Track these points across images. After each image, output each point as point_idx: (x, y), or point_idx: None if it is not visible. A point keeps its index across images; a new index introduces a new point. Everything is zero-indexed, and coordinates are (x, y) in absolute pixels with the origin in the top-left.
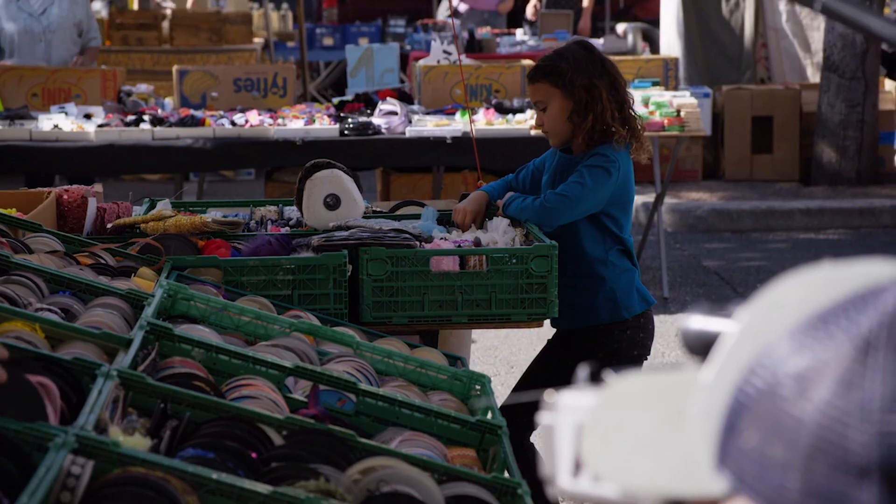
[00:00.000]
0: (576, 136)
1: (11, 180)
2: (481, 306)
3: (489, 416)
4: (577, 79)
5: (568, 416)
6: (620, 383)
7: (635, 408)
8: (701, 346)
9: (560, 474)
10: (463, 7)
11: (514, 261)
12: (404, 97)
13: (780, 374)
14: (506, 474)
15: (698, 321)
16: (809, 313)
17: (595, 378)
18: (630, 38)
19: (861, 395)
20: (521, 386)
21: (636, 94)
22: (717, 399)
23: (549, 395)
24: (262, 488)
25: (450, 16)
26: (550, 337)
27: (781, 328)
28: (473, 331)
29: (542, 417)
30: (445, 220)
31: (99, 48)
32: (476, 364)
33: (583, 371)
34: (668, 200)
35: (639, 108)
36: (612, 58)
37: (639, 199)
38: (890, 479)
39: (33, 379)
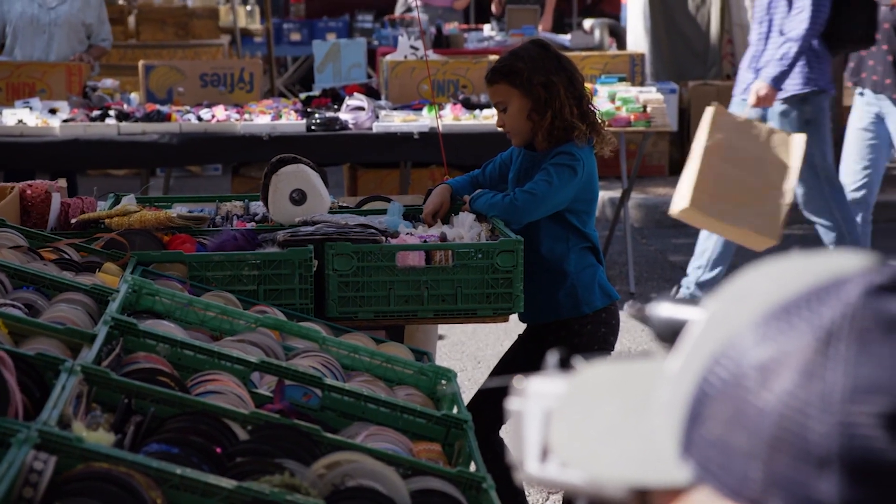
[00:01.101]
0: (536, 133)
1: None
2: (447, 301)
3: (455, 410)
4: (535, 77)
5: (536, 402)
6: (588, 371)
7: (602, 396)
8: (669, 333)
9: (528, 460)
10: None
11: (479, 256)
12: (371, 93)
13: (743, 364)
14: (471, 468)
15: (666, 308)
16: (773, 304)
17: (564, 366)
18: (597, 33)
19: (822, 386)
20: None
21: (602, 90)
22: (683, 389)
23: (519, 382)
24: (227, 483)
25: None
26: (521, 332)
27: (746, 319)
28: (440, 326)
29: (511, 404)
30: (411, 215)
31: (106, 50)
32: (443, 359)
33: (552, 358)
34: (635, 196)
35: (605, 104)
36: (578, 54)
37: (605, 195)
38: (849, 470)
39: None
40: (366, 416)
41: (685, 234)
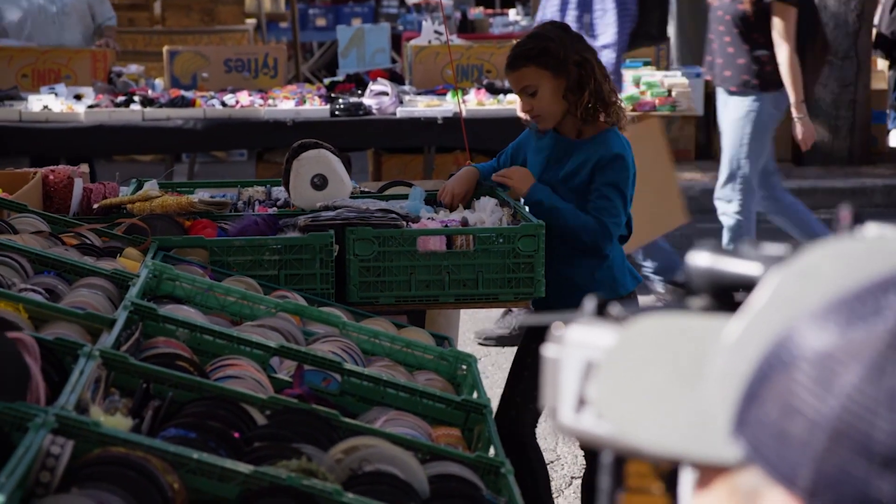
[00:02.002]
0: (573, 114)
1: (13, 162)
2: (468, 286)
3: (475, 395)
4: (569, 56)
5: (577, 351)
6: (640, 325)
7: (652, 355)
8: (707, 283)
9: (562, 409)
10: None
11: (501, 240)
12: (395, 78)
13: (810, 350)
14: (490, 453)
15: (705, 258)
16: (846, 289)
17: (601, 313)
18: None
19: (892, 383)
20: (515, 368)
21: (627, 74)
22: (741, 364)
23: (558, 328)
24: (244, 467)
25: None
26: None
27: (815, 301)
28: (463, 311)
29: (548, 350)
30: (433, 200)
31: (115, 27)
32: (466, 345)
33: (589, 304)
34: None
35: (630, 88)
36: None
37: None
38: None
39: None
40: (385, 400)
41: (711, 220)
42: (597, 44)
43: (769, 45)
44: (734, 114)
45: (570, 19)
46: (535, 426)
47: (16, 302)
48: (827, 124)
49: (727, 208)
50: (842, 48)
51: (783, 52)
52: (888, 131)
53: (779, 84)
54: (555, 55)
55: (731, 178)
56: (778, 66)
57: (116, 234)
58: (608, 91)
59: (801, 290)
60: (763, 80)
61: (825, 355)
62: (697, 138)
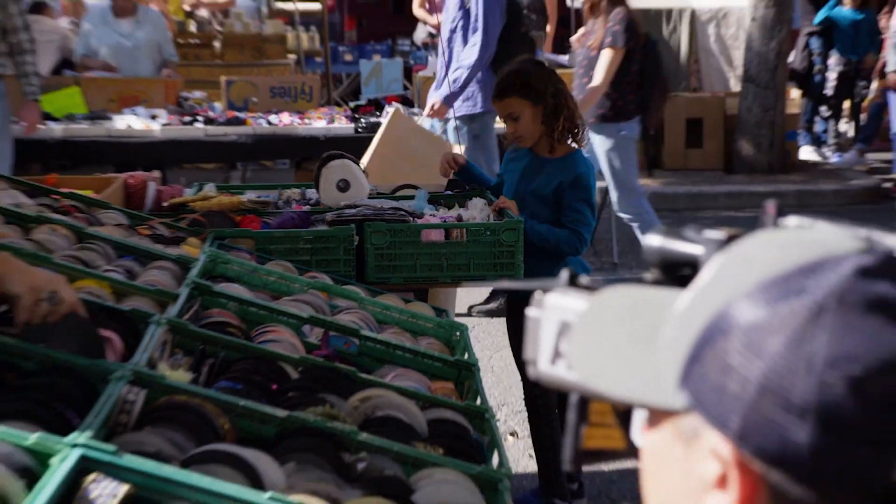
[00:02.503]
0: (548, 135)
1: (101, 169)
2: (462, 269)
3: (465, 356)
4: (546, 88)
5: (554, 313)
6: (606, 294)
7: (615, 319)
8: (658, 260)
9: (541, 360)
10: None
11: (488, 233)
12: (407, 102)
13: (742, 321)
14: (477, 402)
15: (656, 239)
16: (775, 272)
17: (573, 283)
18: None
19: (809, 351)
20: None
21: None
22: (687, 330)
23: (539, 295)
24: (280, 413)
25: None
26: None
27: (749, 281)
28: (459, 289)
29: (531, 311)
30: (434, 200)
31: (176, 61)
32: (461, 317)
33: (564, 274)
34: None
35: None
36: (573, 70)
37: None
38: (822, 421)
39: (103, 332)
40: (394, 360)
41: (658, 217)
42: (459, 63)
43: (614, 84)
44: (600, 144)
45: (458, 46)
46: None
47: (102, 280)
48: (752, 141)
49: (631, 217)
50: (763, 80)
51: (595, 81)
52: (798, 147)
53: (630, 114)
54: (535, 87)
55: (621, 194)
56: (625, 101)
57: (181, 227)
58: (577, 117)
59: (738, 271)
60: (615, 111)
61: (756, 326)
62: (647, 151)
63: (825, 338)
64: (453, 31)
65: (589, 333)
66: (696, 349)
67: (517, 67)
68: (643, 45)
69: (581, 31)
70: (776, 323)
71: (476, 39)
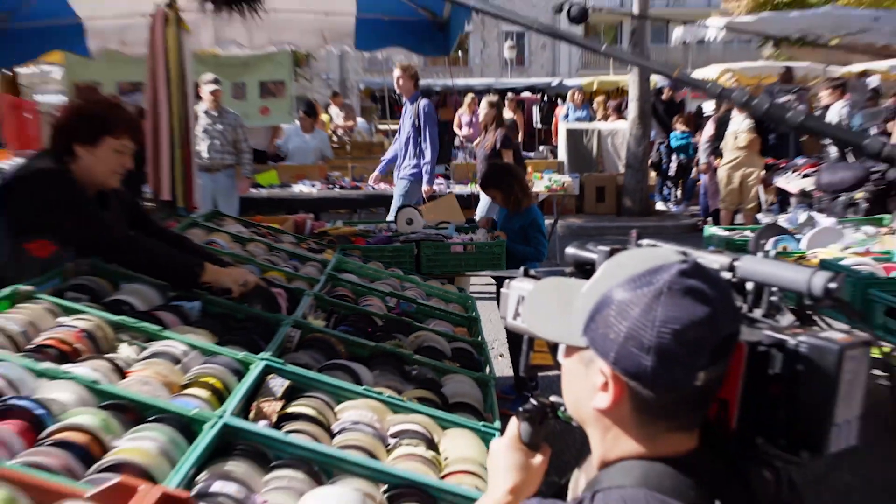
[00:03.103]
0: (511, 202)
1: (282, 213)
2: (472, 267)
3: (473, 314)
4: (511, 182)
5: (516, 290)
6: (545, 280)
7: (549, 294)
8: (573, 261)
9: (508, 317)
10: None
11: (487, 248)
12: (446, 177)
13: (617, 298)
14: (479, 339)
15: (572, 250)
16: (636, 271)
17: (527, 275)
18: (544, 150)
19: (652, 316)
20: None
21: (546, 176)
22: (587, 302)
23: (508, 280)
24: (371, 343)
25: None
26: None
27: (621, 276)
28: (472, 277)
29: (504, 289)
30: (460, 229)
31: (331, 157)
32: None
33: (521, 270)
34: (560, 222)
35: (546, 182)
36: (539, 161)
37: (548, 221)
38: (658, 355)
39: (276, 291)
40: (433, 315)
41: (583, 240)
42: (425, 159)
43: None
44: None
45: (411, 147)
46: None
47: (280, 271)
48: (630, 198)
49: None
50: (636, 166)
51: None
52: (655, 202)
53: None
54: (505, 182)
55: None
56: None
57: (323, 243)
58: (526, 188)
59: (615, 270)
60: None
61: (624, 301)
62: (576, 203)
63: (661, 309)
64: (407, 140)
65: (533, 302)
66: (592, 313)
67: (490, 167)
68: (515, 150)
69: (478, 139)
70: (635, 301)
71: (427, 145)
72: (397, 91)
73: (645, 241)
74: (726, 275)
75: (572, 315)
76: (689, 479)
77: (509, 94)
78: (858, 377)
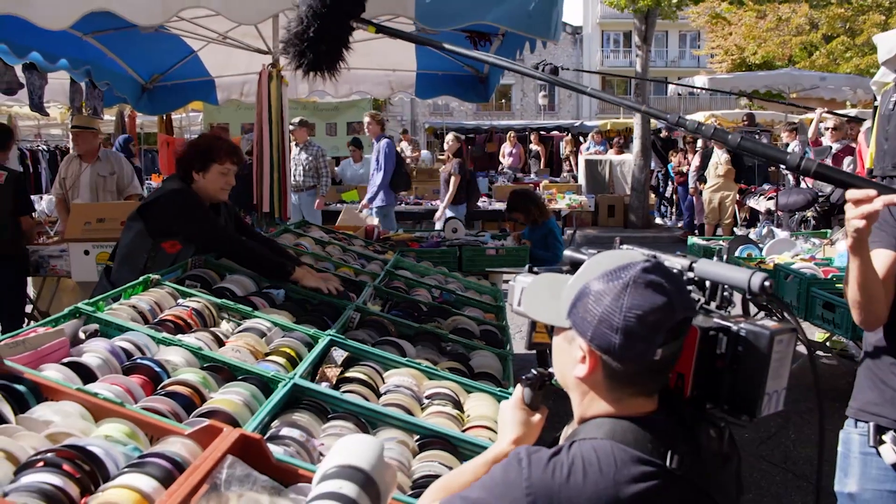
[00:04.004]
0: (532, 221)
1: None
2: (502, 266)
3: (501, 303)
4: (530, 208)
5: (520, 282)
6: (542, 275)
7: (545, 286)
8: (568, 261)
9: (514, 304)
10: None
11: (514, 251)
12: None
13: (595, 288)
14: (503, 323)
15: (568, 253)
16: (609, 268)
17: (530, 271)
18: (567, 177)
19: (621, 303)
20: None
21: (566, 196)
22: (572, 292)
23: (514, 276)
24: (416, 325)
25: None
26: None
27: (598, 271)
28: (503, 274)
29: (511, 281)
30: (495, 236)
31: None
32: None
33: (525, 267)
34: (578, 232)
35: (567, 201)
36: (562, 185)
37: (568, 231)
38: (624, 334)
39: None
40: (468, 304)
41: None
42: (373, 183)
43: (459, 192)
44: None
45: (375, 175)
46: None
47: (350, 267)
48: (635, 214)
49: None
50: (639, 189)
51: (449, 193)
52: (654, 217)
53: (461, 201)
54: (522, 207)
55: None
56: (460, 198)
57: (386, 246)
58: (542, 207)
59: (594, 267)
60: (457, 201)
61: (600, 291)
62: (592, 217)
63: (628, 298)
64: (373, 171)
65: (531, 292)
66: (574, 301)
67: (513, 193)
68: (468, 177)
69: (443, 167)
70: (607, 291)
71: (379, 174)
72: (367, 133)
73: (625, 246)
74: (689, 274)
75: (560, 302)
76: (648, 434)
77: (541, 132)
78: (786, 357)
